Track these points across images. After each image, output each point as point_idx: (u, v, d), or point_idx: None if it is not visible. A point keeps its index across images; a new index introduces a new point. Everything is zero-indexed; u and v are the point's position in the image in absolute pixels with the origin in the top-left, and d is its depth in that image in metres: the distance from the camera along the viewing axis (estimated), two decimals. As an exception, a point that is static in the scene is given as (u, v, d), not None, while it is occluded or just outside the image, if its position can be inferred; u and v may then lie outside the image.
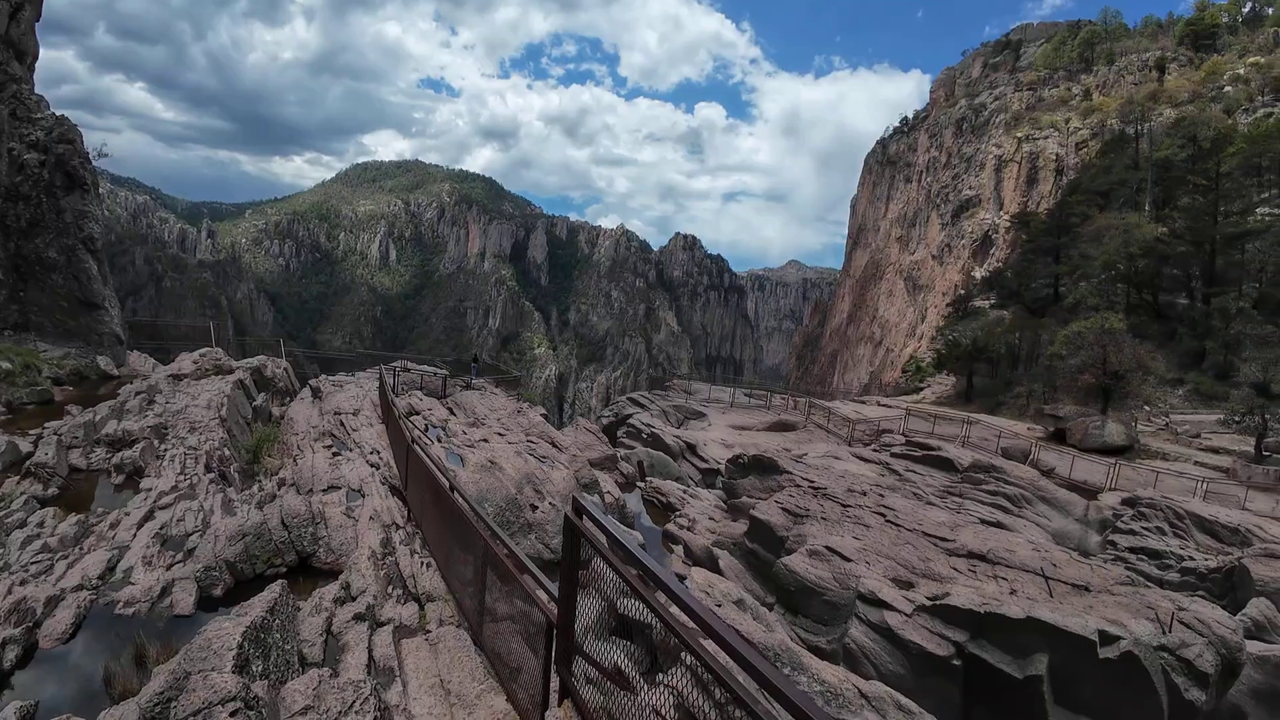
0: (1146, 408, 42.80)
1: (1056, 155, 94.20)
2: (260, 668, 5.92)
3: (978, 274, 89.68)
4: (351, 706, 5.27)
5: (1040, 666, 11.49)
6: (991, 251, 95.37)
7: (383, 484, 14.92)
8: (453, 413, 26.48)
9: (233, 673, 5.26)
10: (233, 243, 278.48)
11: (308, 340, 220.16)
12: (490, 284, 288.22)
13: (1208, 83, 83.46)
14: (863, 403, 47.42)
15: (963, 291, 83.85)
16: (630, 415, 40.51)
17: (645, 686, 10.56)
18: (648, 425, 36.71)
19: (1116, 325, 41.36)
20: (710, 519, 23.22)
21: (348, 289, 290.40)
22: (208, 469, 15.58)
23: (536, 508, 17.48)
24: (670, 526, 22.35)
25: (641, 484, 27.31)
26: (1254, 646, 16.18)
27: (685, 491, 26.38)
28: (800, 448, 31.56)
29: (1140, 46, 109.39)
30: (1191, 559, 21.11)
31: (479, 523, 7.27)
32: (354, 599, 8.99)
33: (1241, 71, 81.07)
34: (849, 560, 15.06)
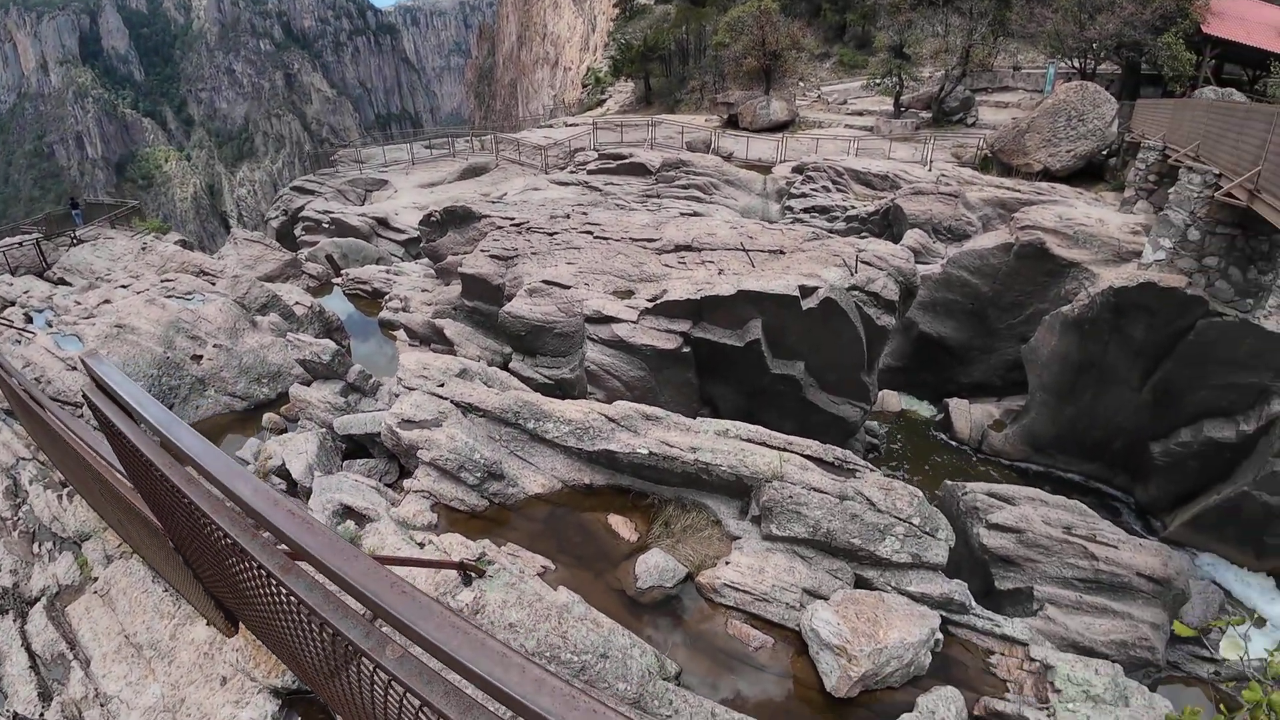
0: (801, 83, 46.53)
1: None
2: None
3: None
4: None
5: (756, 331, 12.22)
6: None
7: (-12, 417, 10.81)
8: (64, 282, 21.11)
9: None
10: None
11: None
12: (69, 102, 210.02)
13: None
14: (550, 127, 45.38)
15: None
16: (302, 207, 34.50)
17: (393, 506, 9.13)
18: (325, 212, 31.67)
19: (770, 6, 42.58)
20: (423, 291, 21.37)
21: None
22: None
23: (200, 357, 14.45)
24: (384, 313, 20.32)
25: (338, 279, 24.21)
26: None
27: (388, 271, 23.90)
28: (499, 188, 29.55)
29: None
30: (853, 207, 24.29)
31: (60, 426, 5.05)
32: (-12, 586, 6.34)
33: None
34: (569, 287, 14.47)
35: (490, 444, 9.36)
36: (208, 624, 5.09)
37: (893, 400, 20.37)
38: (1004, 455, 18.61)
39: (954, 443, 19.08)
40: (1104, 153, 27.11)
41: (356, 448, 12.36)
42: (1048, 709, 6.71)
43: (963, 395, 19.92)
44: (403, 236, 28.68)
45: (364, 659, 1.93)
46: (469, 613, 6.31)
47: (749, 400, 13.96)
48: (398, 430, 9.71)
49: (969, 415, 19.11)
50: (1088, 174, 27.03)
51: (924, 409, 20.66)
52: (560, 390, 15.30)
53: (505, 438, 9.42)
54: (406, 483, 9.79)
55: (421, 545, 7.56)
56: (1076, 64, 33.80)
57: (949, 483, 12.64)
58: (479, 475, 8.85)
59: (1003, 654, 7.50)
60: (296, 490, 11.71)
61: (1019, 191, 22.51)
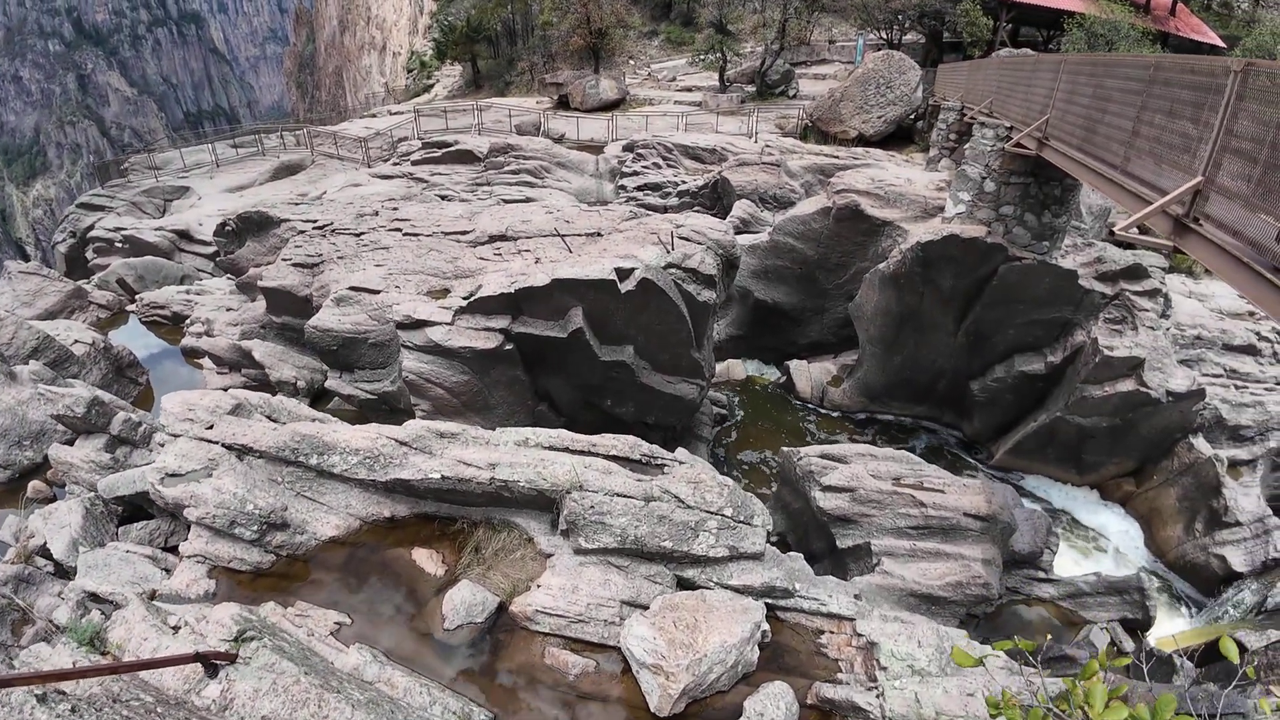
0: (631, 61, 46.29)
1: None
2: None
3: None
4: None
5: (578, 319, 11.60)
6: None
7: None
8: None
9: None
10: None
11: None
12: None
13: None
14: (374, 117, 42.35)
15: (447, -29, 76.59)
16: (91, 225, 30.18)
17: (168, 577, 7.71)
18: (118, 229, 27.76)
19: (594, -16, 41.81)
20: (228, 310, 19.17)
21: None
22: None
23: (-30, 420, 12.12)
24: (186, 340, 17.99)
25: (133, 306, 21.26)
26: (744, 239, 19.55)
27: (188, 292, 21.22)
28: (317, 186, 27.08)
29: None
30: (684, 182, 24.23)
31: None
32: None
33: None
34: (378, 292, 13.22)
35: (272, 489, 8.14)
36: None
37: (737, 368, 20.57)
38: (843, 408, 19.29)
39: (798, 401, 19.56)
40: (912, 116, 28.63)
41: (136, 510, 10.64)
42: (877, 688, 6.59)
43: (802, 356, 20.44)
44: (209, 250, 25.60)
45: None
46: (215, 710, 5.27)
47: (585, 391, 13.37)
48: (160, 488, 8.28)
49: (809, 374, 19.63)
50: (898, 137, 28.50)
51: (768, 373, 21.06)
52: (385, 404, 14.05)
53: (289, 479, 8.24)
54: (182, 547, 8.40)
55: (176, 630, 6.35)
56: (884, 35, 35.55)
57: (786, 449, 12.68)
58: (256, 529, 7.66)
59: (831, 632, 7.37)
60: (64, 572, 9.91)
61: (836, 157, 23.29)
